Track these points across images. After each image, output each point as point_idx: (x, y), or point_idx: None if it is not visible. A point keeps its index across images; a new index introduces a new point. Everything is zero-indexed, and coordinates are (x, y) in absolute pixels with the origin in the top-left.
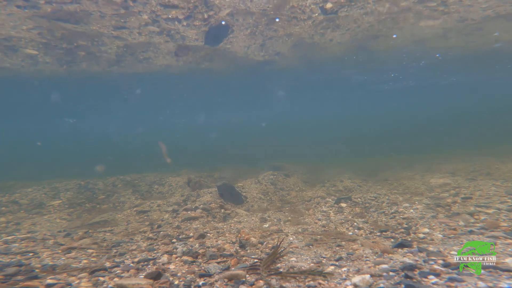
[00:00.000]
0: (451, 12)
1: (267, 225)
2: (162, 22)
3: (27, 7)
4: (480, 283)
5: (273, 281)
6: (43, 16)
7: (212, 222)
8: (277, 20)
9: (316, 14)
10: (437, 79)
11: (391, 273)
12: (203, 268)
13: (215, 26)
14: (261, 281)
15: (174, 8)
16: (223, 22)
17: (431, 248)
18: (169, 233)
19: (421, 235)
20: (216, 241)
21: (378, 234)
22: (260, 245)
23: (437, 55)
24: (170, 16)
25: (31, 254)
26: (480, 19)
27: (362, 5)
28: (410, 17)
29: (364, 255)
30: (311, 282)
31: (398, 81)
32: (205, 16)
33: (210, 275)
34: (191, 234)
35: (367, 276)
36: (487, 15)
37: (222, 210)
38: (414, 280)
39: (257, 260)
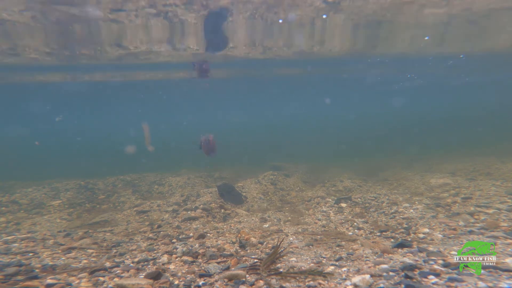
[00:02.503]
0: (454, 5)
1: (267, 225)
2: (160, 6)
3: None
4: (480, 283)
5: (273, 281)
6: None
7: (212, 222)
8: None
9: (318, 3)
10: (449, 79)
11: (391, 273)
12: (203, 268)
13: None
14: (261, 281)
15: None
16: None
17: (431, 248)
18: (169, 233)
19: (421, 235)
20: (216, 241)
21: (378, 234)
22: (260, 245)
23: (461, 56)
24: (168, 2)
25: (31, 254)
26: (485, 11)
27: None
28: (414, 8)
29: (364, 255)
30: (311, 282)
31: (409, 81)
32: (204, 3)
33: (210, 275)
34: (191, 234)
35: (367, 276)
36: (491, 8)
37: (222, 210)
38: (414, 280)
39: (257, 260)
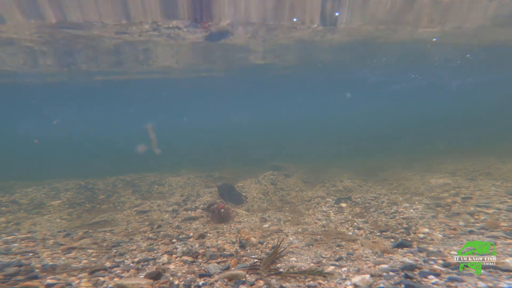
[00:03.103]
0: (447, 22)
1: (267, 225)
2: (163, 30)
3: (34, 18)
4: (480, 283)
5: (273, 281)
6: (47, 26)
7: (212, 222)
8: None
9: (316, 25)
10: (453, 79)
11: (391, 273)
12: (203, 268)
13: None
14: (261, 281)
15: (175, 18)
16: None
17: (431, 248)
18: (169, 233)
19: (421, 235)
20: (216, 241)
21: (378, 234)
22: (260, 245)
23: (468, 56)
24: (171, 26)
25: (31, 254)
26: (476, 27)
27: (361, 17)
28: (408, 27)
29: (364, 255)
30: (311, 282)
31: (412, 82)
32: (206, 25)
33: (210, 275)
34: (191, 234)
35: (367, 276)
36: (483, 24)
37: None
38: (414, 280)
39: (257, 260)
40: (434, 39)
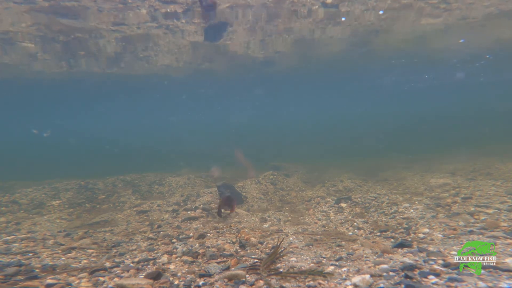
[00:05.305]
0: (452, 9)
1: (267, 225)
2: (161, 19)
3: (24, 3)
4: (480, 283)
5: (273, 281)
6: (40, 11)
7: (212, 222)
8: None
9: (317, 7)
10: (462, 80)
11: (391, 273)
12: (203, 268)
13: (214, 23)
14: (261, 281)
15: (172, 3)
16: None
17: (431, 248)
18: (169, 233)
19: (421, 235)
20: (216, 241)
21: (378, 234)
22: (260, 245)
23: (488, 56)
24: (168, 10)
25: (31, 254)
26: (482, 16)
27: (363, 0)
28: (411, 15)
29: (364, 255)
30: (311, 282)
31: (422, 82)
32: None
33: (210, 275)
34: (191, 234)
35: (367, 276)
36: (489, 12)
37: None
38: (414, 280)
39: (257, 260)
40: (462, 40)
